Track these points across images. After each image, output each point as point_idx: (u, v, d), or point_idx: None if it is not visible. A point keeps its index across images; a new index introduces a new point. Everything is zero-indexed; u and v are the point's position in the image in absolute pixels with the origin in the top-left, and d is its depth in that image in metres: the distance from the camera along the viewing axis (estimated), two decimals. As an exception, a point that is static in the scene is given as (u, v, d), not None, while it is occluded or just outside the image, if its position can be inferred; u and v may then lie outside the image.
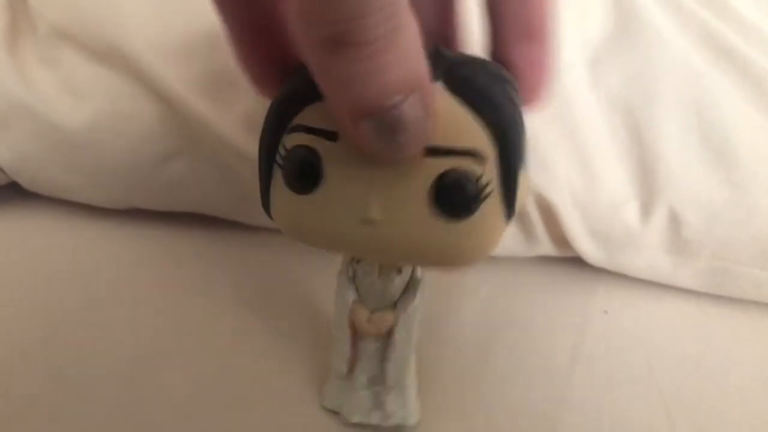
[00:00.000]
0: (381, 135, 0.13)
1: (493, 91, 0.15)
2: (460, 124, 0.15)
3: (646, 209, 0.28)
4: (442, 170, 0.15)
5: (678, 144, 0.28)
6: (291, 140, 0.16)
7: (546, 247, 0.30)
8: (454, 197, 0.15)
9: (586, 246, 0.29)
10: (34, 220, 0.32)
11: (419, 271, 0.20)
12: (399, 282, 0.20)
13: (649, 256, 0.28)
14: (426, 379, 0.23)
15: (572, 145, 0.28)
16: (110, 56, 0.28)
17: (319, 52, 0.12)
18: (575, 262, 0.30)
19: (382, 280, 0.20)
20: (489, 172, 0.15)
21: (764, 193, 0.27)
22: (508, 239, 0.30)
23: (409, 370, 0.21)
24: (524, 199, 0.17)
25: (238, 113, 0.28)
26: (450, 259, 0.17)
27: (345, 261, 0.21)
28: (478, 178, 0.15)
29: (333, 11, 0.12)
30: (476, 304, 0.28)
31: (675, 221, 0.28)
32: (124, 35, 0.28)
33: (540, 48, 0.17)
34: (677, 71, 0.28)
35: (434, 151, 0.15)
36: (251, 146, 0.28)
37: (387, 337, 0.21)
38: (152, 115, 0.29)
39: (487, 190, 0.16)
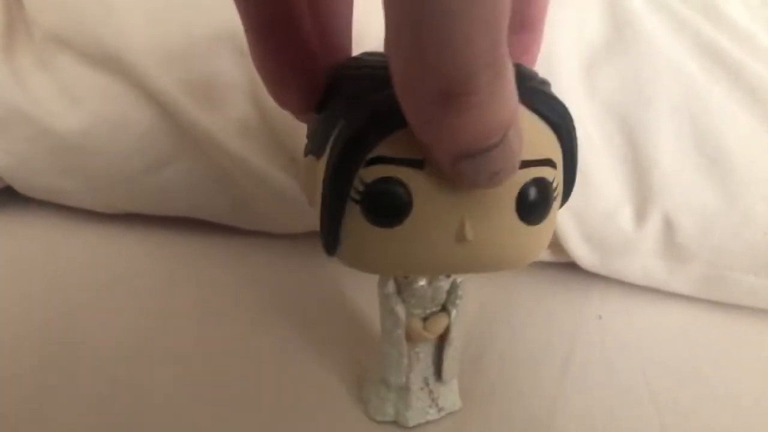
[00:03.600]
0: (481, 171, 0.14)
1: (556, 98, 0.16)
2: (537, 136, 0.15)
3: (641, 215, 0.28)
4: (525, 181, 0.16)
5: (672, 150, 0.28)
6: (371, 173, 0.15)
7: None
8: (537, 205, 0.16)
9: (580, 251, 0.29)
10: (28, 224, 0.32)
11: None
12: (446, 285, 0.21)
13: (644, 261, 0.29)
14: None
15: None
16: (106, 61, 0.28)
17: (429, 103, 0.13)
18: (570, 267, 0.30)
19: (432, 287, 0.20)
20: (558, 176, 0.16)
21: (758, 199, 0.27)
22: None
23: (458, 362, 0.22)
24: None
25: (232, 118, 0.28)
26: (526, 260, 0.17)
27: (383, 278, 0.20)
28: (553, 183, 0.16)
29: (446, 65, 0.12)
30: (470, 309, 0.28)
31: (669, 227, 0.28)
32: (119, 40, 0.28)
33: (533, 37, 0.17)
34: (671, 78, 0.28)
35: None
36: (246, 151, 0.28)
37: (439, 338, 0.21)
38: (147, 119, 0.29)
39: (557, 192, 0.16)
